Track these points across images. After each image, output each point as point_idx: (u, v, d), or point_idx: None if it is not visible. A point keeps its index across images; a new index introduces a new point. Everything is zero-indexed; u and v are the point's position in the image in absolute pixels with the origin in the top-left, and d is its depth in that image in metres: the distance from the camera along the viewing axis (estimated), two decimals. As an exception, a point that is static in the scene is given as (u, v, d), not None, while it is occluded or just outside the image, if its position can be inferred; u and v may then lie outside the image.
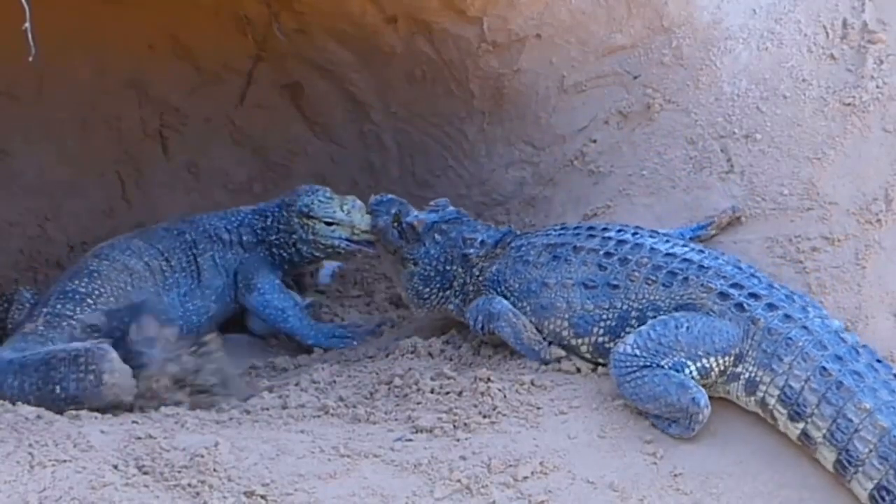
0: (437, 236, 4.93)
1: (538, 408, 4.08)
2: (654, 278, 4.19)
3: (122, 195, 6.74)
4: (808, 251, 4.56)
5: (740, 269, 4.18)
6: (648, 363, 3.91)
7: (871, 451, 3.59)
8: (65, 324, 5.08)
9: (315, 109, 6.88)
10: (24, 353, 4.75)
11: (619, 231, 4.47)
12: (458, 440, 3.87)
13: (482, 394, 4.19)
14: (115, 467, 3.53)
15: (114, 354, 4.45)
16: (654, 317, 4.12)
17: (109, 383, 4.36)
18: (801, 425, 3.76)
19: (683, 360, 3.91)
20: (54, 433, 3.77)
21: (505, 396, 4.16)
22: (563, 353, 4.41)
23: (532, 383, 4.26)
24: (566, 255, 4.45)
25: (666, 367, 3.90)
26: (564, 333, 4.39)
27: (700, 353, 3.93)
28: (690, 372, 3.90)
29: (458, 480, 3.59)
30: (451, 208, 5.12)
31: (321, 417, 4.24)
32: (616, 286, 4.26)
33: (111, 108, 6.61)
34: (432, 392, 4.30)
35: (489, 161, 6.32)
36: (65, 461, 3.51)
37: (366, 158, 6.89)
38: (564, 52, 5.87)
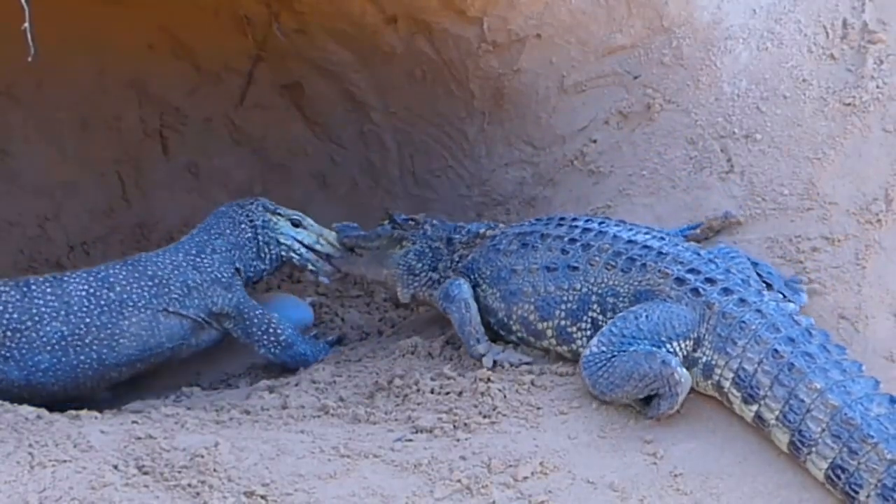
0: (434, 222, 5.23)
1: (538, 408, 4.08)
2: (613, 263, 4.30)
3: (122, 195, 6.73)
4: (808, 251, 4.57)
5: (699, 254, 4.26)
6: (615, 354, 3.99)
7: (823, 430, 3.62)
8: None
9: (315, 109, 6.88)
10: None
11: (588, 221, 4.62)
12: (458, 440, 3.87)
13: (482, 394, 4.19)
14: (115, 467, 3.53)
15: None
16: (613, 301, 4.27)
17: None
18: (754, 408, 3.81)
19: (648, 347, 3.98)
20: (54, 433, 3.77)
21: (505, 396, 4.16)
22: (491, 355, 4.57)
23: (532, 383, 4.27)
24: (533, 243, 4.61)
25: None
26: (531, 318, 4.52)
27: (663, 338, 4.00)
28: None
29: (458, 480, 3.59)
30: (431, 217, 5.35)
31: (321, 417, 4.25)
32: (576, 268, 4.40)
33: (111, 108, 6.61)
34: (432, 392, 4.31)
35: (489, 161, 6.32)
36: (65, 461, 3.51)
37: (366, 158, 6.89)
38: (564, 52, 5.87)
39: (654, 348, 3.96)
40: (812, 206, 4.70)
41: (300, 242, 5.51)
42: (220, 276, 5.25)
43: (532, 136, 6.08)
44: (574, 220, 4.66)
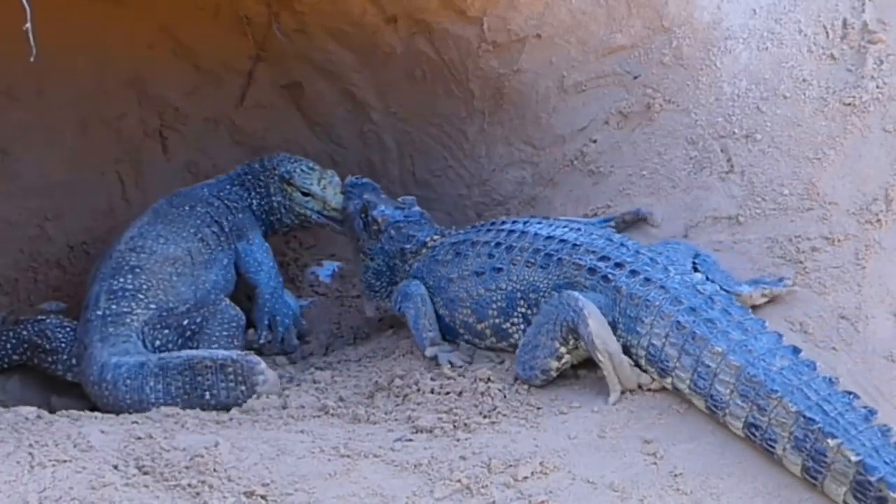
0: (392, 232, 5.39)
1: (538, 408, 4.08)
2: (532, 261, 4.56)
3: (122, 195, 6.72)
4: (808, 251, 4.57)
5: (611, 240, 4.49)
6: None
7: (731, 391, 3.78)
8: (128, 320, 5.15)
9: (315, 109, 6.88)
10: (140, 354, 4.91)
11: (514, 223, 4.86)
12: (458, 440, 3.87)
13: (482, 394, 4.19)
14: (115, 467, 3.53)
15: (263, 365, 4.64)
16: (536, 297, 4.53)
17: (262, 393, 4.58)
18: (669, 380, 4.01)
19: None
20: (54, 433, 3.77)
21: (505, 396, 4.16)
22: (437, 350, 4.78)
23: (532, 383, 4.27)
24: (465, 251, 4.91)
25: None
26: (470, 321, 4.79)
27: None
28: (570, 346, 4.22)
29: (458, 480, 3.59)
30: (417, 208, 5.56)
31: (321, 417, 4.25)
32: (500, 269, 4.66)
33: (111, 108, 6.60)
34: (432, 392, 4.31)
35: (489, 161, 6.32)
36: (65, 461, 3.51)
37: (366, 158, 6.89)
38: (564, 52, 5.87)
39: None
40: (812, 206, 4.70)
41: (309, 210, 6.01)
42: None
43: (532, 136, 6.07)
44: (503, 223, 4.91)
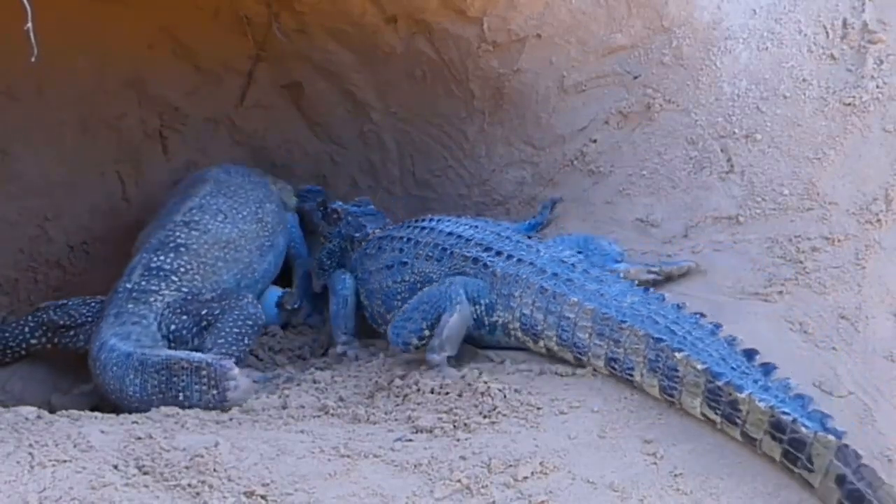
0: (349, 219, 5.86)
1: (538, 408, 4.07)
2: (431, 255, 4.91)
3: (122, 195, 6.73)
4: (808, 251, 4.57)
5: (499, 234, 4.84)
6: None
7: (590, 334, 4.17)
8: (152, 299, 5.12)
9: (315, 109, 6.88)
10: (138, 343, 4.87)
11: (431, 220, 5.19)
12: (458, 440, 3.86)
13: (482, 394, 4.19)
14: (115, 467, 3.52)
15: (236, 371, 4.60)
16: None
17: (233, 399, 4.54)
18: (542, 343, 4.41)
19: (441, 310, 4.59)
20: (54, 433, 3.76)
21: (505, 396, 4.16)
22: (345, 347, 5.21)
23: (532, 383, 4.26)
24: (384, 245, 5.27)
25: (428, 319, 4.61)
26: (382, 310, 5.16)
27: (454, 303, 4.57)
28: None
29: (458, 480, 3.58)
30: (372, 207, 6.03)
31: (321, 417, 4.24)
32: (406, 263, 5.02)
33: (111, 108, 6.60)
34: (432, 392, 4.30)
35: (489, 161, 6.32)
36: (65, 461, 3.51)
37: (366, 158, 6.89)
38: (564, 52, 5.87)
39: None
40: (812, 206, 4.70)
41: None
42: None
43: (532, 136, 6.08)
44: (421, 220, 5.24)
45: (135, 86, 6.63)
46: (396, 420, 4.11)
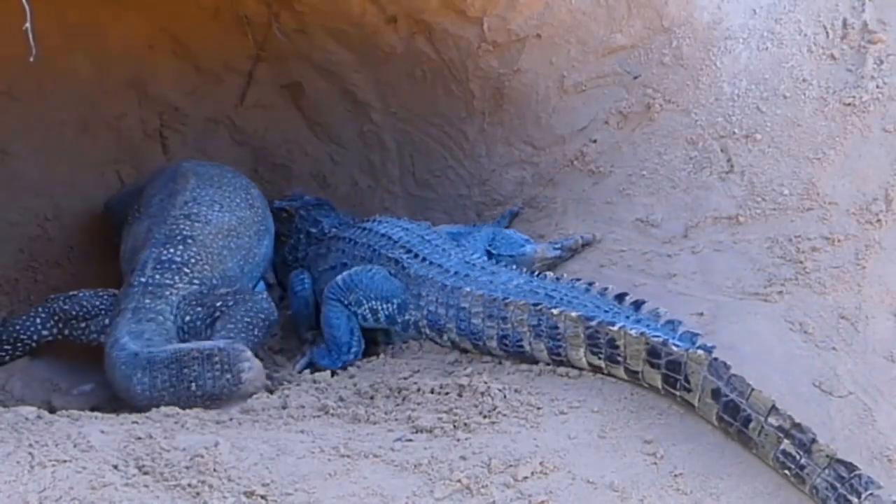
0: (303, 213, 6.04)
1: (538, 408, 4.07)
2: (363, 255, 5.24)
3: (122, 195, 6.72)
4: (808, 251, 4.57)
5: (422, 237, 5.13)
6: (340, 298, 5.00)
7: (483, 319, 4.45)
8: (167, 293, 5.10)
9: (315, 109, 6.88)
10: (149, 343, 4.82)
11: (374, 221, 5.46)
12: (458, 440, 3.86)
13: (482, 394, 4.18)
14: (115, 467, 3.52)
15: (249, 353, 4.60)
16: None
17: (248, 381, 4.50)
18: (445, 336, 4.68)
19: (361, 298, 4.96)
20: (54, 433, 3.76)
21: (505, 396, 4.16)
22: (311, 348, 5.26)
23: (532, 383, 4.26)
24: (332, 246, 5.56)
25: (349, 301, 4.98)
26: None
27: (371, 296, 4.95)
28: (364, 311, 4.97)
29: (458, 480, 3.58)
30: (308, 197, 6.24)
31: (321, 417, 4.24)
32: (345, 263, 5.29)
33: (111, 108, 6.60)
34: (432, 392, 4.30)
35: (489, 161, 6.32)
36: (65, 461, 3.50)
37: (366, 158, 6.89)
38: (564, 52, 5.87)
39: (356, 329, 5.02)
40: (812, 206, 4.70)
41: None
42: None
43: (532, 136, 6.07)
44: (365, 221, 5.52)
45: (135, 86, 6.62)
46: (396, 420, 4.11)
